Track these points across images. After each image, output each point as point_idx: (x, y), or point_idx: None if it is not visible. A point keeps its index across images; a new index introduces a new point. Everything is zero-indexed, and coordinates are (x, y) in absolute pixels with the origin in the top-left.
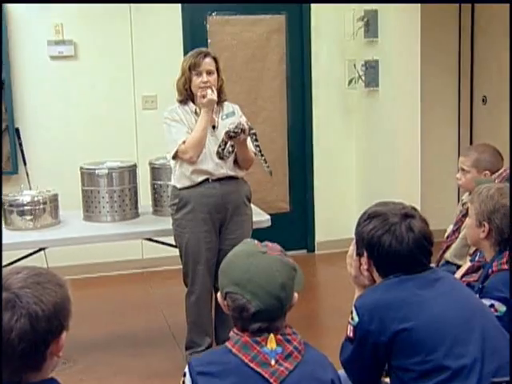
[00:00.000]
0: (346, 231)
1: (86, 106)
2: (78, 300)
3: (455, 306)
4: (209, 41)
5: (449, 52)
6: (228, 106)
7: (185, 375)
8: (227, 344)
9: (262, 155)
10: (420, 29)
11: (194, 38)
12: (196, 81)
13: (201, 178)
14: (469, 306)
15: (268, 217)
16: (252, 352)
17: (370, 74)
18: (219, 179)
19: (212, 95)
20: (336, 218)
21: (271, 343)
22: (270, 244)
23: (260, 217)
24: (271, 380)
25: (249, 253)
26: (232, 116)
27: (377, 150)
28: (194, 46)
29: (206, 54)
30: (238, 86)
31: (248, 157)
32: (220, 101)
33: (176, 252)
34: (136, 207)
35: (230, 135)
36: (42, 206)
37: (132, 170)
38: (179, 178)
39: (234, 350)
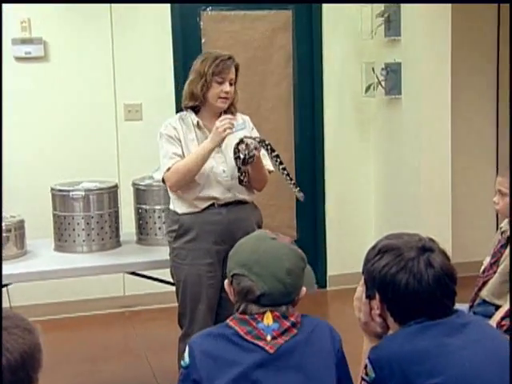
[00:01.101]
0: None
1: (58, 116)
2: (48, 345)
3: (488, 356)
4: (202, 40)
5: (485, 53)
6: (238, 117)
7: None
8: (227, 320)
9: (290, 179)
10: (451, 26)
11: (186, 37)
12: (216, 89)
13: (205, 205)
14: (505, 355)
15: None
16: (248, 326)
17: (392, 79)
18: (226, 204)
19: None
20: (351, 247)
21: (267, 319)
22: (281, 234)
23: None
24: (267, 348)
25: (258, 237)
26: (242, 129)
27: (399, 168)
28: (185, 47)
29: (234, 61)
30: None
31: (263, 176)
32: (231, 111)
33: (164, 288)
34: (117, 235)
35: (248, 161)
36: (5, 234)
37: (113, 191)
38: (180, 203)
39: (230, 323)
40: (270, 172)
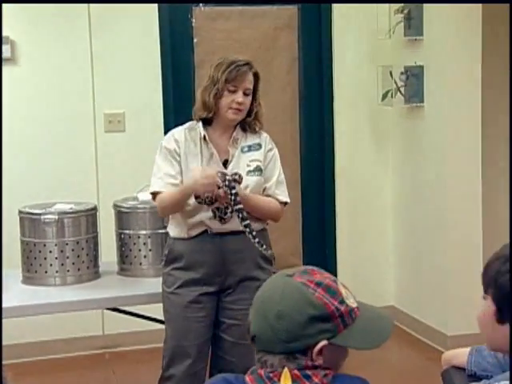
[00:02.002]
0: (381, 298)
1: (28, 127)
2: None
3: None
4: (195, 40)
5: None
6: (255, 135)
7: None
8: (246, 375)
9: (253, 237)
10: (481, 23)
11: (175, 37)
12: (228, 98)
13: (197, 232)
14: None
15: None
16: None
17: (413, 85)
18: (221, 234)
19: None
20: (367, 279)
21: (285, 379)
22: (315, 272)
23: None
24: None
25: (279, 273)
26: (257, 149)
27: (422, 188)
28: (174, 48)
29: (251, 68)
30: None
31: (261, 214)
32: (247, 130)
33: (149, 326)
34: (96, 265)
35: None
36: None
37: (91, 214)
38: (173, 225)
39: (247, 379)
40: (282, 203)
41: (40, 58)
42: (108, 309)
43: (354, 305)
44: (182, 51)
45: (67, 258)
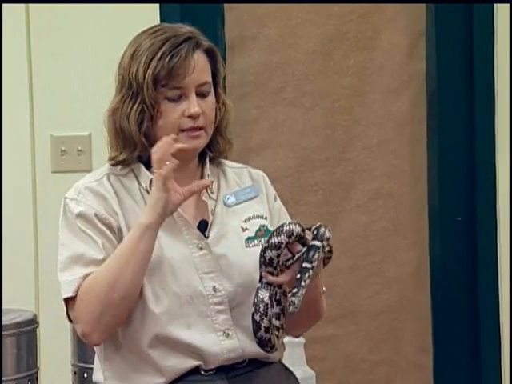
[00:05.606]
0: None
1: None
2: None
3: None
4: (225, 6)
5: None
6: (240, 173)
7: None
8: None
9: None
10: None
11: (188, 13)
12: (172, 114)
13: (179, 369)
14: None
15: None
16: None
17: None
18: (226, 369)
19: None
20: None
21: None
22: None
23: None
24: None
25: None
26: (251, 197)
27: None
28: (187, 17)
29: (198, 43)
30: (300, 116)
31: (318, 307)
32: (216, 156)
33: None
34: None
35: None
36: None
37: (26, 332)
38: (112, 364)
39: None
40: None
41: None
42: None
43: None
44: (202, 25)
45: None
